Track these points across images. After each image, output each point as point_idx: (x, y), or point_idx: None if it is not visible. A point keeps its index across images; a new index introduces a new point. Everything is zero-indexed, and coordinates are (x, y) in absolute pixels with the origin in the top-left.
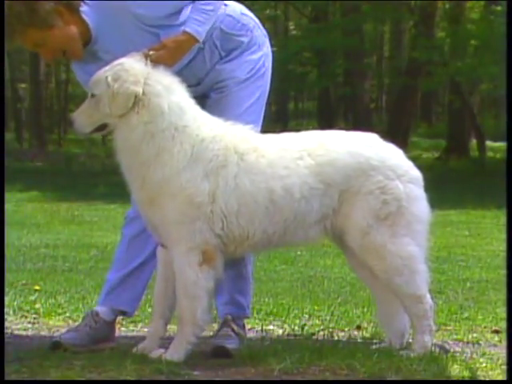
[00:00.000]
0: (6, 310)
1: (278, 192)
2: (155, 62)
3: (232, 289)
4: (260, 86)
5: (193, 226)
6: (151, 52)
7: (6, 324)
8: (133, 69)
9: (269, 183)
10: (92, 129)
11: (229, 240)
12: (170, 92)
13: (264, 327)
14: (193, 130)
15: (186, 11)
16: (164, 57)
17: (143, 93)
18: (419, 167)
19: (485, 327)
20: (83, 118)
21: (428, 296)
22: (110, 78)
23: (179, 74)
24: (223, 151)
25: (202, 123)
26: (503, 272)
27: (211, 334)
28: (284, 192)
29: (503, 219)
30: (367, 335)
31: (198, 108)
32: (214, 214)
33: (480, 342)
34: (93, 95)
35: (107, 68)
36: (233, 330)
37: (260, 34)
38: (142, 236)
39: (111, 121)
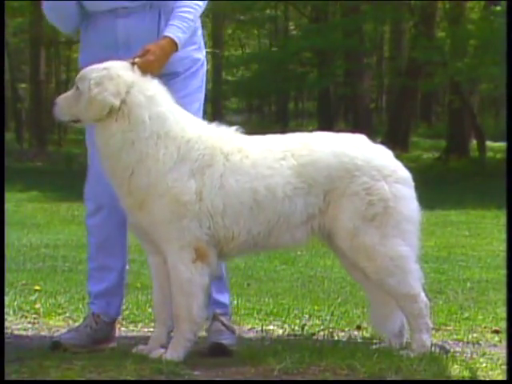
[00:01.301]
0: (6, 309)
1: (262, 192)
2: (142, 68)
3: (211, 290)
4: (200, 91)
5: (181, 223)
6: (137, 59)
7: (6, 324)
8: (118, 77)
9: (253, 183)
10: (69, 119)
11: (215, 240)
12: (153, 103)
13: (264, 327)
14: (177, 132)
15: None
16: (150, 61)
17: (125, 102)
18: (419, 167)
19: (485, 327)
20: (64, 106)
21: (422, 294)
22: (92, 82)
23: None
24: (209, 151)
25: (185, 125)
26: (503, 272)
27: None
28: (267, 192)
29: (503, 219)
30: (367, 335)
31: (181, 111)
32: (202, 213)
33: (480, 342)
34: (78, 88)
35: (96, 67)
36: (223, 324)
37: (201, 37)
38: (108, 243)
39: (87, 120)
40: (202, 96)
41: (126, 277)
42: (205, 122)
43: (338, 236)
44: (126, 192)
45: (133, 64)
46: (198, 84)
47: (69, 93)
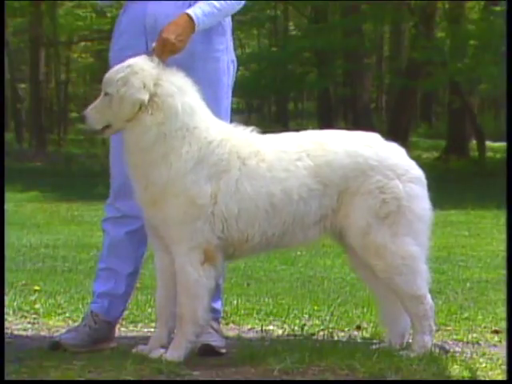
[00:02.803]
0: (6, 310)
1: (278, 195)
2: (159, 47)
3: None
4: (228, 97)
5: (194, 225)
6: (154, 43)
7: (6, 324)
8: (142, 71)
9: (269, 187)
10: (103, 125)
11: (228, 243)
12: (183, 93)
13: (264, 327)
14: (201, 131)
15: None
16: (164, 39)
17: (156, 94)
18: (419, 167)
19: (485, 327)
20: (95, 115)
21: (428, 296)
22: (119, 82)
23: None
24: (227, 156)
25: (210, 125)
26: (503, 272)
27: None
28: (283, 195)
29: (503, 219)
30: (367, 335)
31: (206, 109)
32: (215, 216)
33: (480, 342)
34: (106, 93)
35: (119, 68)
36: (213, 328)
37: (231, 41)
38: (119, 247)
39: (120, 122)
40: (228, 103)
41: (133, 285)
42: (226, 124)
43: (350, 234)
44: (145, 186)
45: (151, 53)
46: (225, 92)
47: (96, 101)
